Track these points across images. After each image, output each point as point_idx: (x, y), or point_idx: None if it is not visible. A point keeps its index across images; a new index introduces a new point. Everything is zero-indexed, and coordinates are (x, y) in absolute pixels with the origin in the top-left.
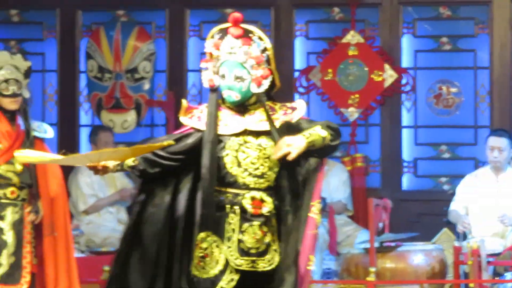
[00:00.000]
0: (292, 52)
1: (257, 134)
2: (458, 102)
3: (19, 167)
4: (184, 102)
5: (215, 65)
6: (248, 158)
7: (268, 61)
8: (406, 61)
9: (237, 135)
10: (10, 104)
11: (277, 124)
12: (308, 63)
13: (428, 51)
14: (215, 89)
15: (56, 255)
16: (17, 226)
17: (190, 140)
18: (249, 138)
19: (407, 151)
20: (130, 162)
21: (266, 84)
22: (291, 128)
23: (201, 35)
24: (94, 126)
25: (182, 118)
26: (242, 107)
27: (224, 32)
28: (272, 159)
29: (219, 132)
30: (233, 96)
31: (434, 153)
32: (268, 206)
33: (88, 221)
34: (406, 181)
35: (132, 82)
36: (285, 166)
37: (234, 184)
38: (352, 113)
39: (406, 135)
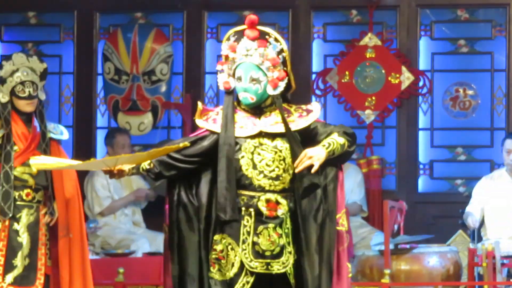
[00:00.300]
0: (309, 54)
1: (272, 136)
2: (474, 105)
3: (34, 169)
4: (199, 105)
5: (230, 68)
6: (263, 160)
7: (284, 63)
8: (423, 63)
9: (252, 137)
10: (26, 106)
11: (293, 126)
12: (325, 65)
13: (445, 54)
14: (230, 92)
15: (71, 257)
16: (32, 228)
17: (205, 143)
18: (265, 140)
19: (423, 153)
20: (145, 165)
21: (282, 86)
22: (306, 132)
23: (219, 37)
24: (111, 128)
25: (198, 121)
26: (257, 109)
27: (240, 34)
28: (288, 162)
29: (235, 134)
30: (249, 98)
31: (450, 155)
32: (283, 208)
33: (104, 223)
34: (422, 183)
35: (149, 84)
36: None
37: (250, 186)
38: (369, 115)
39: (423, 137)
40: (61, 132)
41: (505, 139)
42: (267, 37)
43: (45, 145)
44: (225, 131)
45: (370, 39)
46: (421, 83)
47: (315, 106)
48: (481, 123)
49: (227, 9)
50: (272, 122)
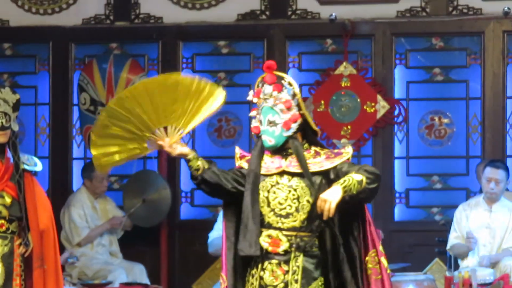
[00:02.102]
0: None
1: (291, 175)
2: (450, 133)
3: (8, 200)
4: (236, 149)
5: (258, 113)
6: (277, 199)
7: (298, 106)
8: (398, 92)
9: (271, 175)
10: None
11: (316, 167)
12: (300, 94)
13: (420, 82)
14: (260, 136)
15: None
16: (7, 259)
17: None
18: (282, 179)
19: (399, 182)
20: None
21: (294, 127)
22: (333, 173)
23: (194, 67)
24: (89, 163)
25: (237, 163)
26: (283, 151)
27: (263, 80)
28: (302, 201)
29: (261, 171)
30: (267, 140)
31: (426, 184)
32: (284, 245)
33: (81, 253)
34: (398, 212)
35: None
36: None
37: (262, 222)
38: (345, 144)
39: (398, 166)
40: (35, 164)
41: (485, 167)
42: (282, 81)
43: (19, 177)
44: (251, 168)
45: (345, 68)
46: (396, 112)
47: (347, 150)
48: (457, 151)
49: (203, 39)
50: (297, 163)
